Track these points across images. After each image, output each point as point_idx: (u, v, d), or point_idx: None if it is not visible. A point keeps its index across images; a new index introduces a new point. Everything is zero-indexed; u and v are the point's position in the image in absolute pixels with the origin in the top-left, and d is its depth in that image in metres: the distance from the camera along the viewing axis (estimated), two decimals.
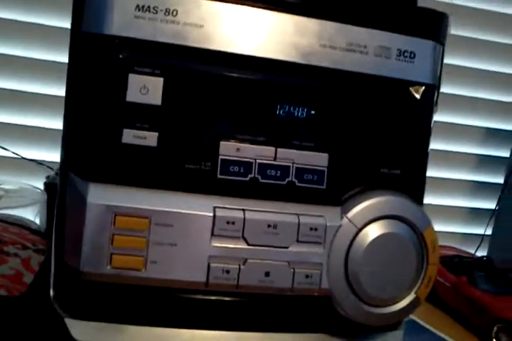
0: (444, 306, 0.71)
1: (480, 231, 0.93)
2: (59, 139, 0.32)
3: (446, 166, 0.95)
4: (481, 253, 0.91)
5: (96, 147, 0.30)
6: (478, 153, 0.98)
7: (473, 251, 0.90)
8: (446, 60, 0.38)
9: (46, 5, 0.76)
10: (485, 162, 0.98)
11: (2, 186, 0.66)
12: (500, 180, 0.93)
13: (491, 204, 0.93)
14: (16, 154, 0.74)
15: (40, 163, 0.73)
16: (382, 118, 0.34)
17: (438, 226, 0.98)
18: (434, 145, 0.94)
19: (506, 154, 0.93)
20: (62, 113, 0.32)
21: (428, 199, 0.94)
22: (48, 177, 0.63)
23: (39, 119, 0.79)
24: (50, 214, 0.55)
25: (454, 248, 0.83)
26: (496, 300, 0.64)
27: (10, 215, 0.56)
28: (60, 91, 0.33)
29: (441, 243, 0.84)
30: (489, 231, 0.93)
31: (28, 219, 0.59)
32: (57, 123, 0.76)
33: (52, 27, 0.76)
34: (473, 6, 0.91)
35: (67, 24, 0.33)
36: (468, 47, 0.93)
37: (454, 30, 0.87)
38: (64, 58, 0.33)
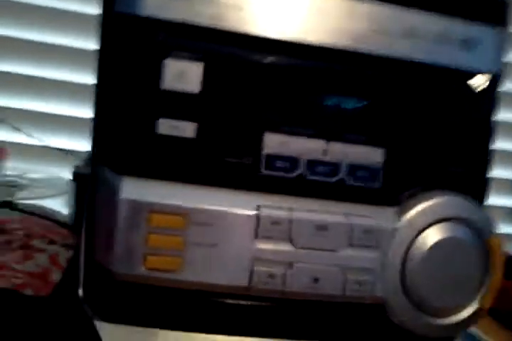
0: (496, 312, 0.68)
1: None
2: (87, 128, 0.30)
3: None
4: None
5: (129, 138, 0.28)
6: None
7: None
8: None
9: None
10: None
11: (27, 175, 0.64)
12: None
13: None
14: (43, 143, 0.73)
15: (67, 151, 0.72)
16: (441, 111, 0.32)
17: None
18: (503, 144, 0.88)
19: None
20: (92, 101, 0.31)
21: (497, 200, 0.89)
22: (77, 167, 0.61)
23: (67, 107, 0.78)
24: (79, 205, 0.54)
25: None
26: None
27: (36, 206, 0.55)
28: (90, 78, 0.31)
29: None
30: None
31: (55, 211, 0.57)
32: (86, 111, 0.75)
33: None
34: None
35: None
36: None
37: None
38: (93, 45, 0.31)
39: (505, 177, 0.90)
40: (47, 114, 0.77)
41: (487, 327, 0.62)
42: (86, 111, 0.72)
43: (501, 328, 0.65)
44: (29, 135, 0.72)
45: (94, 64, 0.31)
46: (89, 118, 0.32)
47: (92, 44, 0.31)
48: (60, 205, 0.60)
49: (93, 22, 0.32)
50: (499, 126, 0.34)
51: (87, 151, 0.31)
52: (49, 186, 0.62)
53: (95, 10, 0.31)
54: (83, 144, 0.65)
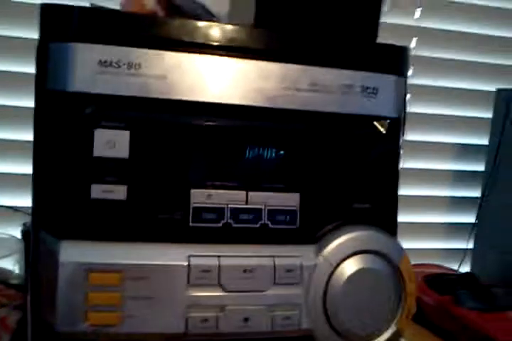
0: (431, 325, 0.71)
1: (462, 245, 0.94)
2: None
3: (422, 184, 0.96)
4: (465, 267, 0.92)
5: (65, 204, 0.30)
6: (454, 169, 0.99)
7: (456, 266, 0.91)
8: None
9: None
10: (461, 177, 0.99)
11: None
12: (477, 193, 0.94)
13: (470, 218, 0.94)
14: None
15: (16, 209, 0.73)
16: (350, 154, 0.35)
17: (421, 244, 0.99)
18: (410, 164, 0.95)
19: (481, 168, 0.95)
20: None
21: (407, 218, 0.95)
22: (24, 225, 0.62)
23: (11, 165, 0.79)
24: (27, 265, 0.54)
25: (437, 265, 0.83)
26: (481, 318, 0.64)
27: None
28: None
29: (424, 261, 0.85)
30: (471, 245, 0.94)
31: (6, 269, 0.58)
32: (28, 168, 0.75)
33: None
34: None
35: None
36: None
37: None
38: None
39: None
40: None
41: (415, 336, 0.66)
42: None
43: (428, 335, 0.69)
44: None
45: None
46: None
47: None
48: (11, 264, 0.60)
49: None
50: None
51: None
52: (1, 246, 0.62)
53: None
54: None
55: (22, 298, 0.43)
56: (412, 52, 0.89)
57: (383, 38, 0.42)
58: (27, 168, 0.76)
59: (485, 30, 0.96)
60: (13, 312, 0.40)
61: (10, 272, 0.58)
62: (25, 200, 0.74)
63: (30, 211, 0.66)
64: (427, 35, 0.92)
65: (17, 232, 0.64)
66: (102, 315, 0.29)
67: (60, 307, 0.29)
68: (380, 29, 0.42)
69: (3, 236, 0.64)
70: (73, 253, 0.30)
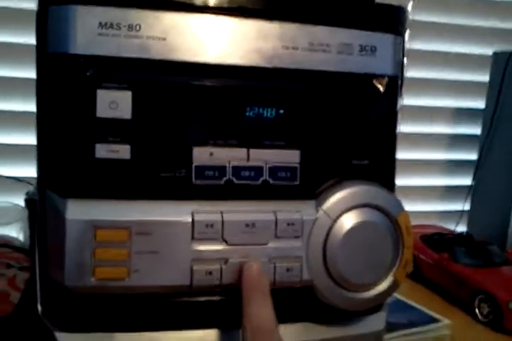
0: (428, 283, 0.74)
1: (459, 207, 0.96)
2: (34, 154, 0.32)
3: (421, 148, 0.97)
4: (461, 228, 0.94)
5: (70, 164, 0.31)
6: (451, 133, 1.00)
7: (453, 228, 0.93)
8: None
9: None
10: (458, 140, 1.00)
11: None
12: (474, 156, 0.95)
13: (467, 181, 0.95)
14: None
15: (18, 179, 0.73)
16: (349, 112, 0.35)
17: (418, 206, 1.01)
18: (407, 128, 0.96)
19: (478, 131, 0.96)
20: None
21: (406, 181, 0.96)
22: (27, 194, 0.63)
23: (13, 136, 0.79)
24: (33, 230, 0.55)
25: (434, 226, 0.85)
26: (476, 273, 0.66)
27: None
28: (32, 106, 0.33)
29: (422, 222, 0.87)
30: (468, 207, 0.95)
31: (11, 237, 0.59)
32: (31, 139, 0.76)
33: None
34: None
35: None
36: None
37: None
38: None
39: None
40: None
41: (412, 292, 0.68)
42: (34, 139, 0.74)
43: (425, 291, 0.71)
44: None
45: None
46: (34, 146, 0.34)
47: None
48: (15, 232, 0.61)
49: None
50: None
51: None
52: (4, 215, 0.63)
53: None
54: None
55: (29, 260, 0.45)
56: (409, 17, 0.89)
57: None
58: (29, 139, 0.77)
59: None
60: (20, 273, 0.41)
61: (15, 239, 0.59)
62: (28, 171, 0.75)
63: (32, 181, 0.68)
64: None
65: (20, 202, 0.65)
66: (109, 270, 0.30)
67: (68, 264, 0.30)
68: None
69: (7, 204, 0.66)
70: (79, 211, 0.30)
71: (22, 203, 0.64)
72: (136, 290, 0.31)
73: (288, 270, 0.33)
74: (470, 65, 0.98)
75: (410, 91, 0.87)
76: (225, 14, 0.32)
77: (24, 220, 0.61)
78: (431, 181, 0.99)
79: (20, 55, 0.75)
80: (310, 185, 0.34)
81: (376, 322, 0.38)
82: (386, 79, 0.36)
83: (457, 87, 0.98)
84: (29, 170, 0.73)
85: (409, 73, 0.85)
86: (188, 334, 0.33)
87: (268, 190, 0.33)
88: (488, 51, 0.92)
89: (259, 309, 0.30)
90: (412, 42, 0.85)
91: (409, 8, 0.93)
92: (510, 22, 0.97)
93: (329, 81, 0.34)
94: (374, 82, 0.36)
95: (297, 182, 0.34)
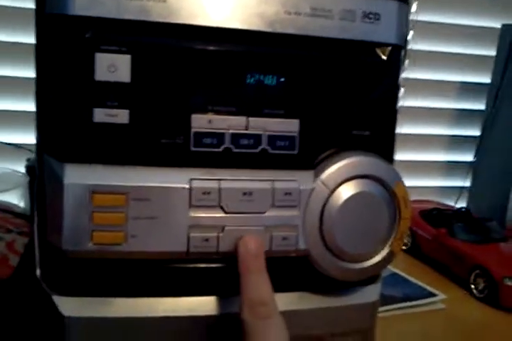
0: (426, 258, 0.74)
1: (460, 183, 0.96)
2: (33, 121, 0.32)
3: (423, 122, 0.96)
4: (462, 204, 0.94)
5: (68, 128, 0.30)
6: (455, 108, 0.99)
7: (453, 204, 0.93)
8: None
9: None
10: (461, 116, 0.99)
11: None
12: (477, 132, 0.95)
13: (469, 157, 0.95)
14: None
15: (19, 146, 0.74)
16: (351, 81, 0.35)
17: (419, 182, 1.01)
18: (410, 102, 0.95)
19: (482, 107, 0.95)
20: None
21: (408, 156, 0.96)
22: (28, 160, 0.63)
23: (12, 103, 0.79)
24: (33, 196, 0.56)
25: (433, 201, 0.85)
26: (473, 249, 0.66)
27: None
28: (31, 73, 0.33)
29: (422, 197, 0.87)
30: (468, 183, 0.95)
31: (11, 203, 0.59)
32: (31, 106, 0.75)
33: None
34: None
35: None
36: None
37: None
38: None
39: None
40: None
41: (409, 267, 0.68)
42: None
43: (423, 266, 0.72)
44: None
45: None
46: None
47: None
48: (16, 198, 0.62)
49: None
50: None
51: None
52: (4, 181, 0.63)
53: None
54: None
55: (28, 226, 0.45)
56: None
57: None
58: (28, 106, 0.77)
59: None
60: (19, 237, 0.42)
61: (15, 205, 0.60)
62: (28, 138, 0.75)
63: (33, 148, 0.68)
64: None
65: (21, 169, 0.66)
66: (107, 235, 0.31)
67: (66, 228, 0.30)
68: None
69: (7, 170, 0.66)
70: (77, 176, 0.30)
71: (23, 170, 0.64)
72: (133, 255, 0.31)
73: (284, 239, 0.33)
74: (478, 38, 0.96)
75: (415, 64, 0.86)
76: None
77: (25, 187, 0.61)
78: (432, 156, 0.99)
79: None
80: (309, 155, 0.34)
81: (371, 293, 0.38)
82: (389, 47, 0.35)
83: (464, 61, 0.97)
84: (30, 137, 0.74)
85: (415, 46, 0.84)
86: (185, 301, 0.34)
87: (266, 159, 0.33)
88: (497, 24, 0.90)
89: (256, 283, 0.31)
90: (418, 15, 0.84)
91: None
92: None
93: (331, 48, 0.34)
94: (377, 50, 0.35)
95: (296, 152, 0.34)
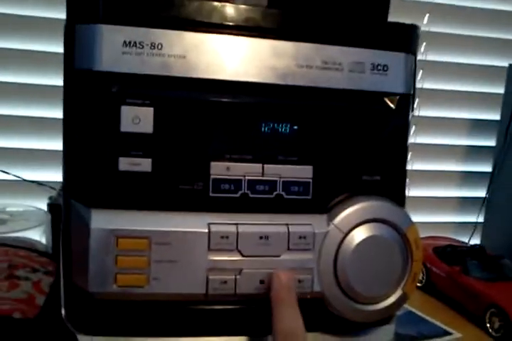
0: (440, 295, 0.74)
1: (473, 219, 0.96)
2: (58, 160, 0.34)
3: (436, 158, 0.97)
4: (475, 240, 0.94)
5: (95, 175, 0.32)
6: (466, 144, 1.00)
7: (467, 240, 0.93)
8: None
9: None
10: (472, 152, 1.00)
11: (7, 209, 0.68)
12: (489, 168, 0.96)
13: (481, 193, 0.95)
14: (17, 176, 0.76)
15: (41, 183, 0.76)
16: (361, 129, 0.36)
17: (432, 218, 1.01)
18: (422, 139, 0.96)
19: (492, 143, 0.96)
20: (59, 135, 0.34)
21: (421, 192, 0.96)
22: (50, 198, 0.65)
23: (36, 142, 0.82)
24: (56, 234, 0.57)
25: (447, 238, 0.85)
26: (488, 287, 0.66)
27: (17, 238, 0.58)
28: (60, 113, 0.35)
29: (435, 234, 0.87)
30: (482, 219, 0.95)
31: (35, 240, 0.61)
32: (54, 144, 0.78)
33: None
34: None
35: None
36: None
37: None
38: None
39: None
40: (18, 148, 0.81)
41: (424, 304, 0.68)
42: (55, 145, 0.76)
43: (437, 304, 0.71)
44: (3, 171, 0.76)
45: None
46: (57, 151, 0.34)
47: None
48: (38, 235, 0.63)
49: None
50: None
51: (59, 182, 0.35)
52: (27, 219, 0.65)
53: None
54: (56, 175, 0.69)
55: (53, 265, 0.47)
56: (425, 29, 0.90)
57: (396, 14, 0.43)
58: (50, 145, 0.79)
59: (498, 5, 0.96)
60: (45, 277, 0.43)
61: (38, 242, 0.61)
62: (50, 175, 0.77)
63: (54, 185, 0.70)
64: (439, 11, 0.92)
65: (41, 205, 0.68)
66: (130, 277, 0.32)
67: (92, 270, 0.32)
68: (392, 6, 0.43)
69: (30, 209, 0.68)
70: (103, 221, 0.32)
71: (44, 207, 0.66)
72: (154, 297, 0.33)
73: (300, 281, 0.34)
74: (486, 77, 0.98)
75: (425, 102, 0.88)
76: (241, 33, 0.34)
77: (47, 224, 0.63)
78: (445, 192, 0.99)
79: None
80: (322, 200, 0.36)
81: (385, 333, 0.39)
82: (397, 97, 0.37)
83: (473, 99, 0.98)
84: (51, 175, 0.77)
85: (425, 84, 0.86)
86: (203, 340, 0.35)
87: (281, 204, 0.35)
88: (504, 63, 0.92)
89: (289, 315, 0.32)
90: (427, 55, 0.87)
91: (425, 20, 0.94)
92: None
93: (342, 98, 0.36)
94: (385, 99, 0.37)
95: (310, 197, 0.35)
